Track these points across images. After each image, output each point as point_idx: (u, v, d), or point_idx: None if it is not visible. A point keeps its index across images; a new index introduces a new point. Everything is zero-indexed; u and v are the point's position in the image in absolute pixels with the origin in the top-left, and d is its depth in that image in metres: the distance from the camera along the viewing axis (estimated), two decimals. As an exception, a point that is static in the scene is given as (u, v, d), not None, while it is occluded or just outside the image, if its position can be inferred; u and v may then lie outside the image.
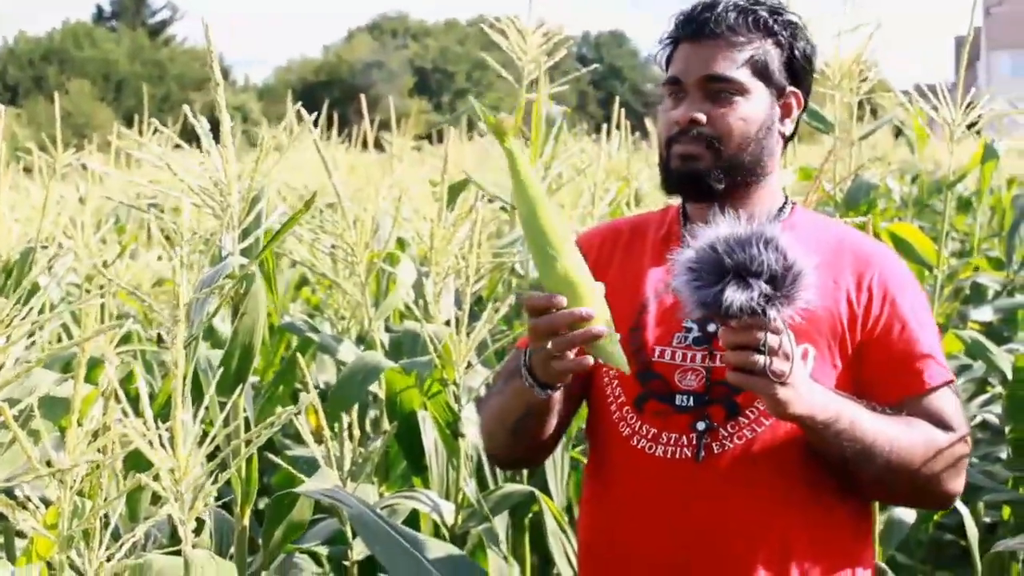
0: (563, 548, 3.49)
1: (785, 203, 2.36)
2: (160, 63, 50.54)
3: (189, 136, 2.80)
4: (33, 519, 1.86)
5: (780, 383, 1.98)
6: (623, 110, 6.03)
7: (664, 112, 2.32)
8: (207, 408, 2.00)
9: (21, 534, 1.85)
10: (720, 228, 1.97)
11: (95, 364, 3.19)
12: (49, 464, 1.86)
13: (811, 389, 2.06)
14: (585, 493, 2.43)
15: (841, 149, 4.03)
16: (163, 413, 2.04)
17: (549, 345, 2.03)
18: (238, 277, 2.46)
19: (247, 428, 2.61)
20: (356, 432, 3.12)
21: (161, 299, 4.31)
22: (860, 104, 4.37)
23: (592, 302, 2.02)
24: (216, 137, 2.59)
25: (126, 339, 4.08)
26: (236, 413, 2.57)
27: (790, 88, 2.33)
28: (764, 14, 2.30)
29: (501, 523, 3.50)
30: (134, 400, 1.95)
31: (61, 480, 1.85)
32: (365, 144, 7.56)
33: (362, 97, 6.51)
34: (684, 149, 2.26)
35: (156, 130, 3.05)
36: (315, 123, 3.37)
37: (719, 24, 2.27)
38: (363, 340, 4.09)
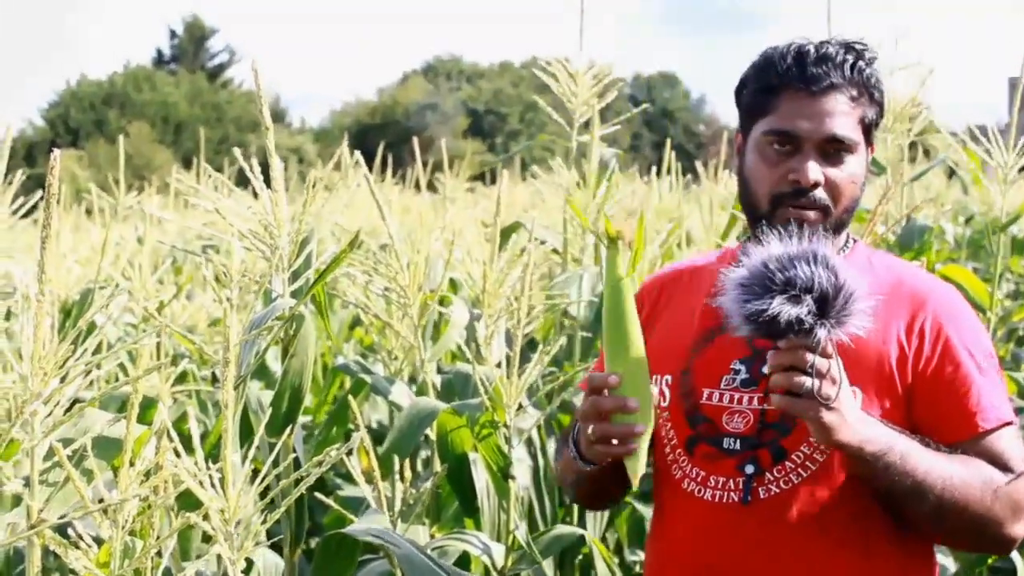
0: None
1: (847, 241, 2.35)
2: (218, 106, 51.05)
3: (246, 179, 2.84)
4: (85, 558, 1.88)
5: (826, 407, 1.97)
6: (674, 152, 6.04)
7: (767, 162, 2.25)
8: (258, 448, 2.02)
9: (74, 572, 1.87)
10: (772, 247, 1.97)
11: (149, 404, 3.22)
12: (101, 503, 1.89)
13: (860, 419, 2.04)
14: (649, 531, 2.45)
15: (893, 190, 4.00)
16: (215, 453, 2.06)
17: (589, 430, 2.11)
18: (287, 318, 2.49)
19: (297, 468, 2.63)
20: (407, 473, 3.12)
21: (216, 340, 4.36)
22: (912, 145, 4.34)
23: (644, 405, 2.08)
24: (267, 180, 2.63)
25: (181, 379, 4.13)
26: (286, 453, 2.59)
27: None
28: (868, 70, 2.27)
29: (550, 565, 3.49)
30: (187, 439, 1.97)
31: (113, 519, 1.88)
32: (418, 186, 7.60)
33: (415, 139, 6.56)
34: (798, 215, 2.21)
35: (210, 175, 3.10)
36: (369, 165, 3.39)
37: (840, 77, 2.23)
38: (415, 381, 4.09)
